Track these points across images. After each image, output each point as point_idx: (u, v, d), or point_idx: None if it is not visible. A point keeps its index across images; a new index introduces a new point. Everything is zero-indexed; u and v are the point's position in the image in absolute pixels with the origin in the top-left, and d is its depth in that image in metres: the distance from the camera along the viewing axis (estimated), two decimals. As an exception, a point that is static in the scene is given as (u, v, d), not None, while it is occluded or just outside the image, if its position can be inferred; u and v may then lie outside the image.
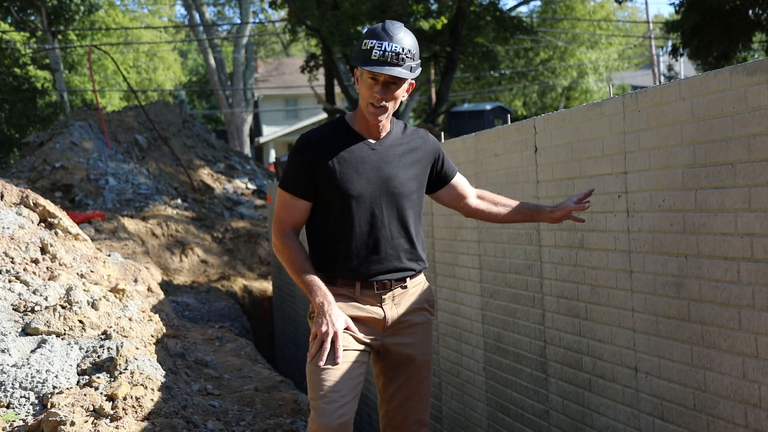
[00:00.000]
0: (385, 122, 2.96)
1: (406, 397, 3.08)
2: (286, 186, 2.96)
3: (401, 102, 2.98)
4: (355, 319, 2.94)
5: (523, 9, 41.90)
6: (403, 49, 2.81)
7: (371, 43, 2.81)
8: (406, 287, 3.02)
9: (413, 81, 2.95)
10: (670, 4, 14.16)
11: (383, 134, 2.99)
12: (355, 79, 2.95)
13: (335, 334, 2.83)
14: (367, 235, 2.93)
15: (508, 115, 12.05)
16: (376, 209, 2.93)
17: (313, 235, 3.02)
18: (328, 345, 2.82)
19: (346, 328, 2.88)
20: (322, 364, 2.81)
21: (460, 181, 3.22)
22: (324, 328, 2.83)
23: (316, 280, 2.89)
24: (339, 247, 2.94)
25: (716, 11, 13.12)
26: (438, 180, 3.15)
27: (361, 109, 2.92)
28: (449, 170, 3.17)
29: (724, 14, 13.17)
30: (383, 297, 2.98)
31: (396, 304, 3.00)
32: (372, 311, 2.97)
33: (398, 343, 3.03)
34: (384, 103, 2.85)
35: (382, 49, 2.79)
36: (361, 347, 2.94)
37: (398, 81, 2.85)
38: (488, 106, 23.38)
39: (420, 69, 2.94)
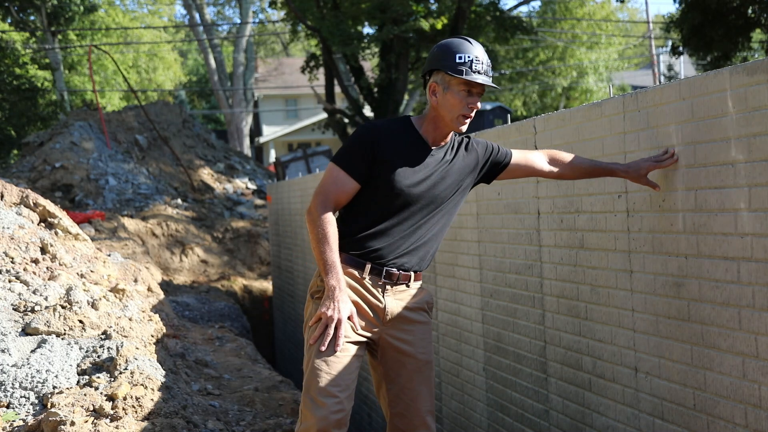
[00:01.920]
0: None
1: (411, 398, 3.09)
2: (342, 163, 2.99)
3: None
4: (356, 307, 2.98)
5: (523, 9, 41.93)
6: (490, 62, 3.00)
7: (468, 56, 2.94)
8: (408, 286, 3.07)
9: None
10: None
11: (444, 142, 3.08)
12: (431, 90, 3.00)
13: (339, 321, 2.87)
14: (399, 230, 2.99)
15: (508, 115, 12.04)
16: (416, 209, 3.00)
17: (347, 210, 3.06)
18: (331, 330, 2.86)
19: (349, 318, 2.91)
20: (323, 348, 2.84)
21: (518, 158, 3.24)
22: (330, 313, 2.87)
23: (337, 263, 2.91)
24: (368, 229, 2.99)
25: (716, 11, 13.13)
26: (494, 169, 3.21)
27: (444, 120, 2.99)
28: (502, 157, 3.22)
29: (724, 14, 13.18)
30: (387, 287, 3.01)
31: (397, 299, 3.04)
32: (374, 300, 3.01)
33: (396, 338, 3.05)
34: (473, 112, 2.97)
35: (481, 61, 2.96)
36: (361, 340, 2.97)
37: (483, 91, 2.99)
38: (488, 106, 23.36)
39: None
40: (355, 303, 2.97)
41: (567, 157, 3.23)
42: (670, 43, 17.15)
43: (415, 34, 16.59)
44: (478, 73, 2.95)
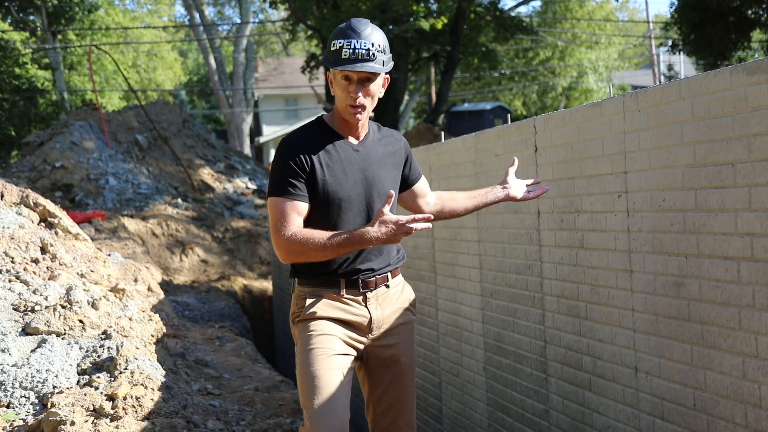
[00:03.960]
0: (364, 121, 2.93)
1: (393, 399, 3.06)
2: (279, 192, 2.83)
3: (378, 99, 2.92)
4: (342, 321, 2.92)
5: (523, 9, 41.94)
6: (372, 44, 2.78)
7: (339, 42, 2.77)
8: (388, 286, 3.01)
9: (388, 75, 2.92)
10: (671, 6, 14.22)
11: (362, 134, 2.96)
12: (329, 82, 2.89)
13: (399, 222, 2.66)
14: None
15: (508, 115, 12.05)
16: (363, 210, 2.91)
17: None
18: (411, 223, 2.66)
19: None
20: (423, 225, 2.66)
21: (423, 184, 3.23)
22: (397, 232, 2.66)
23: (340, 233, 2.73)
24: None
25: (716, 11, 13.14)
26: (403, 182, 3.14)
27: (339, 111, 2.88)
28: (415, 173, 3.18)
29: (723, 13, 13.19)
30: (367, 296, 2.95)
31: (380, 304, 2.98)
32: (357, 312, 2.94)
33: (383, 345, 3.01)
34: (361, 101, 2.81)
35: (352, 47, 2.75)
36: (351, 352, 2.93)
37: (372, 77, 2.81)
38: (488, 106, 23.40)
39: (392, 62, 2.90)
40: (339, 320, 2.91)
41: (450, 192, 3.28)
42: (670, 42, 17.18)
43: (416, 34, 16.60)
44: (347, 60, 2.74)
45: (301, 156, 2.83)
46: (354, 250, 2.78)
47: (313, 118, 3.03)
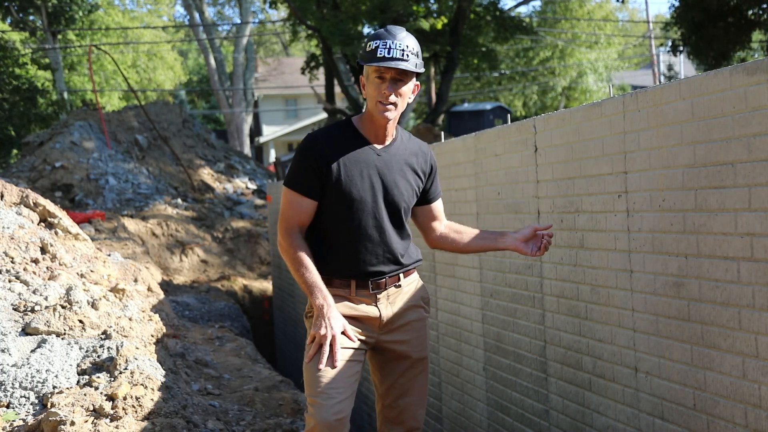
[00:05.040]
0: (392, 125, 2.99)
1: (402, 392, 3.11)
2: (292, 185, 2.96)
3: (407, 104, 2.99)
4: (351, 317, 2.97)
5: (523, 9, 41.95)
6: (407, 47, 2.88)
7: (375, 43, 2.87)
8: (400, 286, 3.05)
9: (418, 83, 2.99)
10: (670, 8, 14.24)
11: (388, 140, 3.01)
12: (361, 85, 2.97)
13: (333, 338, 2.86)
14: (366, 238, 2.96)
15: (508, 115, 12.06)
16: (377, 214, 2.96)
17: (311, 233, 3.03)
18: (326, 349, 2.85)
19: (343, 332, 2.90)
20: (321, 367, 2.83)
21: (438, 206, 3.25)
22: (323, 332, 2.86)
23: (319, 282, 2.90)
24: (337, 247, 2.97)
25: (716, 11, 13.14)
26: (422, 197, 3.17)
27: (370, 111, 2.94)
28: (435, 191, 3.20)
29: (723, 13, 13.20)
30: (378, 296, 3.01)
31: (390, 303, 3.03)
32: (367, 311, 3.00)
33: (394, 341, 3.06)
34: (393, 99, 2.88)
35: (387, 46, 2.86)
36: (358, 345, 2.96)
37: (405, 77, 2.89)
38: (488, 106, 23.41)
39: (423, 69, 2.99)
40: (349, 317, 2.96)
41: (462, 226, 3.27)
42: (670, 42, 17.19)
43: (415, 34, 16.59)
44: (382, 58, 2.85)
45: (320, 154, 2.92)
46: (305, 292, 2.94)
47: (343, 119, 3.10)
